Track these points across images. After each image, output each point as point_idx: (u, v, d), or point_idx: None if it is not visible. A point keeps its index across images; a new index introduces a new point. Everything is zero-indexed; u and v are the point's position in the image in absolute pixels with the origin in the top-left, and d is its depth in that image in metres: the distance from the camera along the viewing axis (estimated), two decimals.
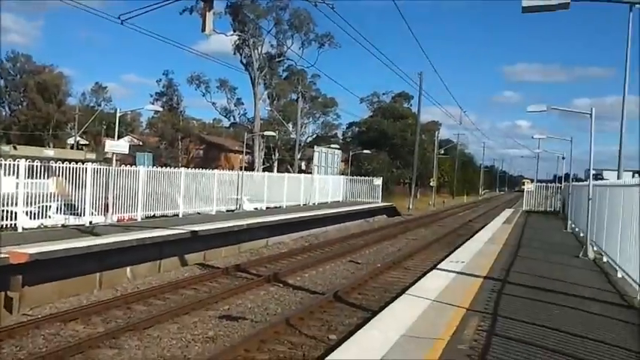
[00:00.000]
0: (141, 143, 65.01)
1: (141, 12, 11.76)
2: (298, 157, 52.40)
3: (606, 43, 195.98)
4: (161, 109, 53.31)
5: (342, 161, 51.60)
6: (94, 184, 17.85)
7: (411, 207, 49.31)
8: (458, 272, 11.62)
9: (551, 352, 6.26)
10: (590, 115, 15.54)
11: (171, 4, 11.47)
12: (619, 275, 11.80)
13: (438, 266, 12.65)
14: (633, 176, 19.30)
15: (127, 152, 20.13)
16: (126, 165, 20.71)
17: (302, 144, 58.70)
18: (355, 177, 44.61)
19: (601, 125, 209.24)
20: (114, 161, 19.17)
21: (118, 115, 21.18)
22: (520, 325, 7.35)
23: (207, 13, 9.72)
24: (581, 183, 24.36)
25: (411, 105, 78.77)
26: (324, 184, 38.45)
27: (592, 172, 16.01)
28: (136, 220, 19.44)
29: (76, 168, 17.25)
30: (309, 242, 23.90)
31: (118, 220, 18.70)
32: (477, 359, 5.92)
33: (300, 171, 50.64)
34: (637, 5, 7.27)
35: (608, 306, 9.06)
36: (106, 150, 19.50)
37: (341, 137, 78.42)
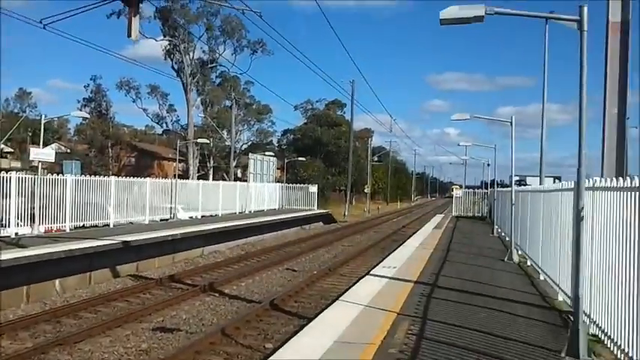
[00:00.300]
0: (69, 151, 62.76)
1: (64, 16, 11.36)
2: (234, 164, 52.05)
3: (528, 53, 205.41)
4: (88, 116, 51.59)
5: (277, 169, 51.63)
6: (19, 193, 17.18)
7: (346, 214, 49.88)
8: (390, 277, 11.93)
9: (476, 353, 6.56)
10: (511, 123, 16.30)
11: (96, 8, 11.16)
12: (541, 278, 12.38)
13: (371, 272, 12.95)
14: (554, 182, 20.28)
15: (52, 160, 19.45)
16: (54, 174, 20.03)
17: (237, 151, 58.31)
18: (291, 184, 44.80)
19: (524, 133, 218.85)
20: (39, 170, 18.48)
21: (43, 121, 20.40)
22: (448, 328, 7.66)
23: (133, 17, 9.56)
24: (505, 189, 25.39)
25: (344, 112, 79.79)
26: (260, 192, 38.40)
27: (514, 177, 16.75)
28: (64, 230, 18.84)
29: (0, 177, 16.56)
30: (245, 251, 23.81)
31: (45, 231, 18.04)
32: None
33: (236, 179, 50.30)
34: (552, 20, 7.75)
35: (530, 307, 9.53)
36: (30, 158, 18.78)
37: (276, 144, 78.50)
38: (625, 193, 6.21)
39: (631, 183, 6.03)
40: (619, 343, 6.37)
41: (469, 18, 6.23)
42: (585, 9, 6.15)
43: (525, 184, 32.48)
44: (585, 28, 6.17)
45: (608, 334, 6.81)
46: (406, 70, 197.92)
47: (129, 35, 9.41)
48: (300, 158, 58.30)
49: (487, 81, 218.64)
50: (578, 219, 6.62)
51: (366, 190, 65.03)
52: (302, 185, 44.32)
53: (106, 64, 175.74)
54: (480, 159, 43.28)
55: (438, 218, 38.41)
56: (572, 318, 7.19)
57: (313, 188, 43.17)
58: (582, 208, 6.55)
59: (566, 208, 9.13)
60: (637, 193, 5.81)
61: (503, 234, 23.33)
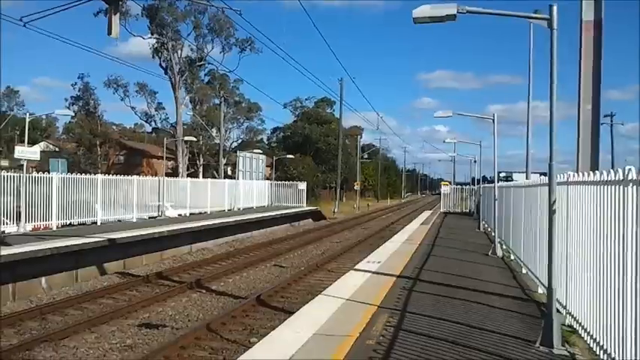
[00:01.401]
0: (57, 149, 62.50)
1: (44, 14, 11.40)
2: (224, 162, 52.00)
3: (517, 52, 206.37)
4: (73, 113, 51.35)
5: (267, 166, 51.69)
6: (5, 191, 17.18)
7: (336, 210, 50.11)
8: (373, 272, 12.06)
9: (452, 343, 6.70)
10: (493, 120, 16.52)
11: (75, 6, 11.21)
12: (524, 271, 12.55)
13: (355, 267, 13.06)
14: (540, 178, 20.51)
15: (38, 158, 19.44)
16: (42, 172, 20.03)
17: (227, 149, 58.29)
18: (280, 182, 44.92)
19: (513, 130, 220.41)
20: (25, 168, 18.48)
21: (27, 119, 20.42)
22: (426, 320, 7.80)
23: (113, 16, 9.62)
24: (490, 185, 25.63)
25: (333, 110, 80.00)
26: (249, 189, 38.47)
27: (499, 173, 16.95)
28: (51, 228, 18.86)
29: None
30: (233, 247, 23.90)
31: (32, 229, 18.07)
32: (383, 353, 6.27)
33: (226, 176, 50.27)
34: (530, 20, 7.92)
35: (511, 300, 9.68)
36: (15, 156, 18.77)
37: (266, 142, 78.53)
38: (599, 187, 6.35)
39: (606, 177, 6.15)
40: (592, 333, 6.53)
41: (442, 17, 6.36)
42: (555, 8, 6.30)
43: (512, 180, 32.77)
44: (555, 26, 6.31)
45: (583, 324, 6.97)
46: (395, 68, 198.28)
47: (109, 33, 9.48)
48: (289, 155, 58.37)
49: (476, 79, 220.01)
50: (550, 212, 6.78)
51: (355, 188, 65.26)
52: (291, 182, 44.46)
53: (94, 63, 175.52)
54: (468, 156, 43.56)
55: (426, 214, 38.65)
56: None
57: (302, 185, 43.30)
58: (554, 201, 6.71)
59: (544, 203, 9.29)
60: (609, 186, 5.95)
61: (489, 229, 23.54)
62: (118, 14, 9.84)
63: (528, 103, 19.65)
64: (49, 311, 11.91)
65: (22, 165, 18.79)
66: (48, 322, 11.30)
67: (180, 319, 11.69)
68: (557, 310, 7.15)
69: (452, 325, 7.54)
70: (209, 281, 15.55)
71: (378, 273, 11.99)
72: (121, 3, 10.98)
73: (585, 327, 6.84)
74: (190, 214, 28.61)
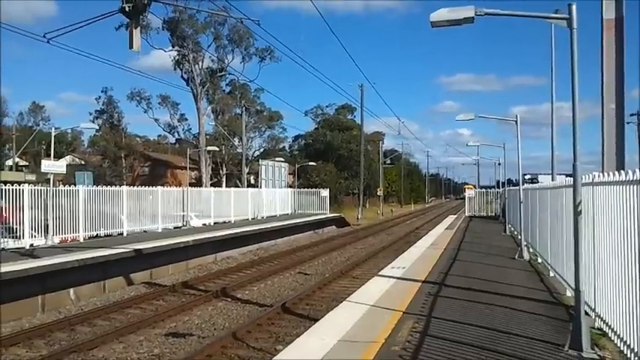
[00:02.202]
0: (83, 162, 63.50)
1: (66, 30, 11.61)
2: (246, 171, 52.32)
3: (540, 52, 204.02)
4: (97, 127, 52.22)
5: (289, 174, 51.85)
6: (33, 205, 17.50)
7: (359, 217, 50.00)
8: (398, 278, 11.99)
9: (479, 348, 6.63)
10: (516, 122, 16.36)
11: (96, 22, 11.38)
12: (551, 274, 12.38)
13: (380, 273, 13.01)
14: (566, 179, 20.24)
15: (64, 172, 19.79)
16: (69, 185, 20.36)
17: (249, 158, 58.65)
18: (303, 189, 44.98)
19: (537, 131, 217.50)
20: (51, 182, 18.81)
21: (53, 134, 20.84)
22: (452, 325, 7.73)
23: (134, 29, 9.76)
24: (515, 187, 25.36)
25: (354, 116, 79.89)
26: (272, 198, 38.58)
27: (524, 176, 16.78)
28: (78, 240, 19.14)
29: (13, 190, 16.88)
30: (258, 256, 23.98)
31: (60, 242, 18.36)
32: (409, 359, 6.23)
33: (249, 185, 50.57)
34: (550, 20, 7.84)
35: (538, 303, 9.54)
36: (42, 170, 19.14)
37: (288, 150, 78.75)
38: (625, 186, 6.25)
39: (632, 176, 6.05)
40: (622, 336, 6.42)
41: (459, 20, 6.32)
42: (574, 7, 6.22)
43: (537, 182, 32.36)
44: (575, 26, 6.24)
45: (612, 327, 6.85)
46: (415, 72, 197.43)
47: (130, 47, 9.62)
48: (311, 163, 58.43)
49: (499, 81, 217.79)
50: (576, 214, 6.68)
51: (378, 193, 65.05)
52: (314, 190, 44.47)
53: (117, 76, 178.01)
54: (492, 159, 43.14)
55: (451, 219, 38.31)
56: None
57: (325, 192, 43.30)
58: (580, 202, 6.62)
59: (569, 205, 9.15)
60: (636, 186, 5.85)
61: (515, 232, 23.27)
62: (138, 28, 9.98)
63: (552, 103, 19.44)
64: (77, 322, 12.08)
65: (49, 179, 19.15)
66: (77, 332, 11.45)
67: (206, 328, 11.76)
68: (586, 313, 7.04)
69: (479, 330, 7.46)
70: (234, 290, 15.62)
71: (402, 278, 11.92)
72: (141, 17, 11.15)
73: (615, 329, 6.72)
74: (214, 223, 28.78)
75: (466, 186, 47.58)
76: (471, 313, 8.60)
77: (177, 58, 53.53)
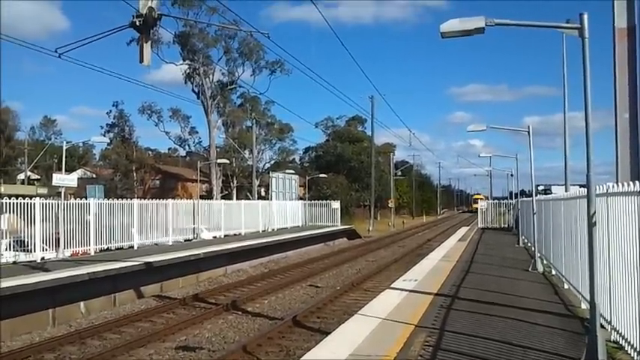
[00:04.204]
0: (94, 176, 63.88)
1: (77, 45, 11.68)
2: (257, 183, 52.37)
3: (552, 62, 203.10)
4: (108, 140, 52.56)
5: (300, 186, 51.82)
6: (44, 219, 17.58)
7: (371, 229, 49.84)
8: (410, 290, 11.88)
9: None
10: (528, 132, 16.24)
11: (107, 36, 11.41)
12: (565, 287, 12.21)
13: (392, 285, 12.89)
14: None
15: (75, 185, 19.87)
16: (80, 198, 20.46)
17: (260, 170, 58.71)
18: (314, 201, 44.88)
19: (551, 142, 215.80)
20: (63, 195, 18.88)
21: (64, 148, 20.97)
22: (466, 339, 7.61)
23: (145, 44, 9.82)
24: (528, 198, 25.14)
25: (365, 128, 79.96)
26: (283, 210, 38.56)
27: (537, 187, 16.62)
28: (89, 253, 19.18)
29: (25, 203, 16.97)
30: (268, 268, 23.91)
31: (71, 255, 18.41)
32: None
33: (260, 197, 50.58)
34: (561, 30, 7.78)
35: (553, 316, 9.40)
36: (53, 184, 19.24)
37: (298, 162, 78.79)
38: (638, 197, 6.15)
39: None
40: (639, 349, 6.28)
41: (470, 30, 6.27)
42: (585, 17, 6.15)
43: (551, 193, 32.09)
44: (586, 35, 6.17)
45: (629, 340, 6.71)
46: (426, 83, 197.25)
47: (141, 61, 9.65)
48: (322, 175, 58.39)
49: (511, 91, 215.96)
50: (590, 225, 6.57)
51: (390, 205, 64.81)
52: (325, 202, 44.37)
53: (128, 90, 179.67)
54: (505, 170, 42.81)
55: (463, 230, 38.05)
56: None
57: (336, 204, 43.21)
58: (594, 213, 6.50)
59: (583, 215, 9.03)
60: None
61: (529, 244, 23.03)
62: (149, 42, 10.02)
63: (564, 114, 19.30)
64: (87, 335, 12.05)
65: (60, 192, 19.23)
66: (87, 346, 11.42)
67: (216, 342, 11.69)
68: (602, 326, 6.90)
69: (492, 344, 7.34)
70: (245, 303, 15.55)
71: (414, 291, 11.81)
72: (152, 31, 11.20)
73: (632, 343, 6.58)
74: (225, 235, 28.78)
75: (477, 196, 47.25)
76: (485, 326, 8.47)
77: (187, 71, 53.82)
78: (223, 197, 51.61)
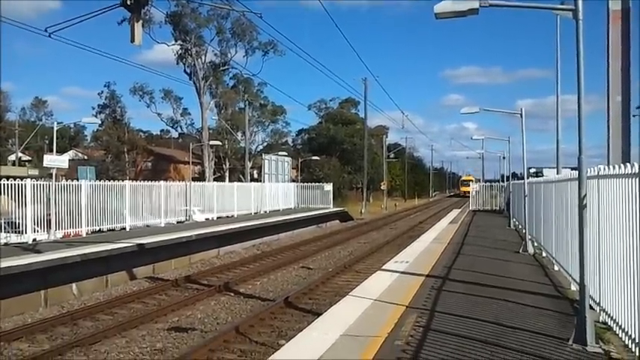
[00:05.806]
0: (86, 157, 63.52)
1: (67, 24, 11.53)
2: (249, 165, 52.28)
3: (546, 44, 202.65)
4: (100, 122, 52.14)
5: (293, 168, 51.77)
6: (35, 200, 17.50)
7: (363, 211, 49.96)
8: (401, 272, 11.95)
9: (482, 343, 6.58)
10: (521, 115, 16.25)
11: (98, 15, 11.29)
12: (555, 268, 12.31)
13: (383, 267, 12.95)
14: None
15: (66, 166, 19.76)
16: (71, 180, 20.37)
17: (253, 152, 58.56)
18: (306, 184, 44.92)
19: (544, 124, 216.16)
20: (54, 176, 18.79)
21: (55, 129, 20.82)
22: (456, 320, 7.68)
23: (136, 23, 9.71)
24: (520, 181, 25.23)
25: (358, 110, 79.66)
26: (275, 192, 38.59)
27: (529, 169, 16.68)
28: (81, 235, 19.14)
29: (16, 185, 16.87)
30: (261, 250, 23.96)
31: (63, 236, 18.37)
32: (412, 353, 6.18)
33: (253, 179, 50.53)
34: (555, 12, 7.75)
35: (543, 297, 9.48)
36: (44, 165, 19.13)
37: (291, 144, 78.62)
38: (630, 179, 6.18)
39: (637, 169, 5.97)
40: (627, 330, 6.36)
41: (463, 11, 6.23)
42: None
43: (542, 176, 32.23)
44: (581, 17, 6.14)
45: (617, 321, 6.79)
46: (420, 66, 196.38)
47: (132, 40, 9.56)
48: (314, 157, 58.33)
49: (505, 74, 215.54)
50: (581, 207, 6.61)
51: (382, 188, 64.95)
52: (317, 184, 44.40)
53: (120, 71, 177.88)
54: (498, 152, 42.92)
55: (455, 213, 38.22)
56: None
57: (328, 187, 43.26)
58: (584, 196, 6.54)
59: (574, 198, 9.08)
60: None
61: (520, 226, 23.18)
62: (140, 22, 9.92)
63: (557, 96, 19.22)
64: (80, 317, 12.06)
65: (52, 173, 19.14)
66: (79, 327, 11.44)
67: (209, 323, 11.74)
68: (591, 307, 6.97)
69: (483, 324, 7.40)
70: (237, 284, 15.60)
71: (406, 273, 11.87)
72: (143, 11, 11.08)
73: (620, 324, 6.66)
74: (217, 217, 28.79)
75: (466, 178, 47.38)
76: (475, 307, 8.54)
77: (179, 52, 53.33)
78: (216, 179, 51.51)
